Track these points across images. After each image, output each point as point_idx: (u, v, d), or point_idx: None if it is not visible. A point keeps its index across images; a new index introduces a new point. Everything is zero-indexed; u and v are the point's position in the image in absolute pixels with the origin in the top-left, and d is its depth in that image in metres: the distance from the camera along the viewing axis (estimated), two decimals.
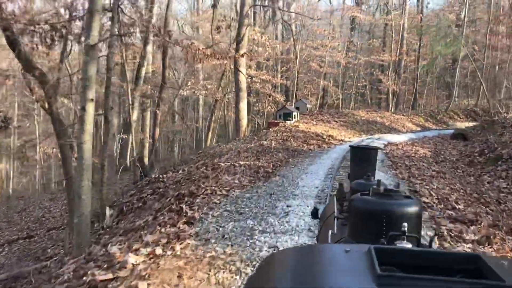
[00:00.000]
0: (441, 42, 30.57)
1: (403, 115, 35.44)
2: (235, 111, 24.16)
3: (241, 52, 22.75)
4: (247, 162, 11.37)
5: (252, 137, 19.30)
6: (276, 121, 25.26)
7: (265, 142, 16.26)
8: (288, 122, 24.31)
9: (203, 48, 19.86)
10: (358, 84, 46.58)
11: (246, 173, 9.58)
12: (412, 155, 15.12)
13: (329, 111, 30.37)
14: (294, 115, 25.64)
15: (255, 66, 37.72)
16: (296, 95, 43.06)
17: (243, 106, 23.18)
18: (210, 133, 34.61)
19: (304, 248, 1.25)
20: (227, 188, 7.73)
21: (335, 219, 1.87)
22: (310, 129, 22.53)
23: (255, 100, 36.06)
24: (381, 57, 39.02)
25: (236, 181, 8.50)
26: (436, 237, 2.01)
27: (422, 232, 1.44)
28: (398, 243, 1.20)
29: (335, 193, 2.38)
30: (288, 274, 0.92)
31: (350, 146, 2.86)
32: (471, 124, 37.40)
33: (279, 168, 10.95)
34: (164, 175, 11.74)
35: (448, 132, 29.40)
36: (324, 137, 19.61)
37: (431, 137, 24.55)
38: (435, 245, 1.51)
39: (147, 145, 25.94)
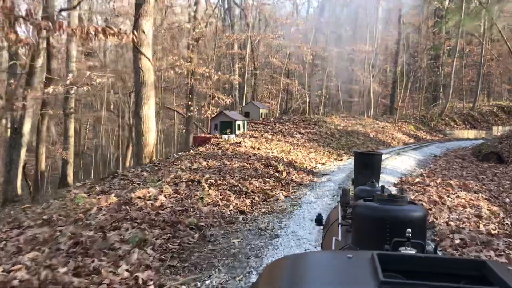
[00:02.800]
0: (461, 13, 22.39)
1: (388, 123, 27.16)
2: (134, 121, 14.75)
3: (143, 21, 13.59)
4: None
5: (141, 172, 9.97)
6: (206, 135, 16.11)
7: (142, 194, 7.03)
8: (226, 136, 15.23)
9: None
10: (330, 84, 38.27)
11: None
12: (472, 221, 6.35)
13: (291, 118, 21.50)
14: (239, 125, 16.59)
15: (201, 62, 28.86)
16: (253, 97, 34.26)
17: (149, 112, 13.88)
18: (129, 150, 25.05)
19: (307, 255, 1.11)
20: None
21: (339, 225, 1.85)
22: (259, 149, 13.53)
23: (189, 103, 26.79)
24: (357, 48, 30.72)
25: None
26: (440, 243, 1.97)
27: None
28: (402, 250, 1.15)
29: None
30: (290, 282, 0.88)
31: (354, 152, 2.74)
32: (471, 132, 29.73)
33: None
34: None
35: (455, 145, 21.23)
36: (280, 168, 10.57)
37: (445, 157, 16.14)
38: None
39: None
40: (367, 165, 2.37)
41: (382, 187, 1.51)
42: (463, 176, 11.29)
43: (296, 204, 7.32)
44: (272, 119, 20.23)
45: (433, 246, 1.32)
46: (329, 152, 15.64)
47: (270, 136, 16.81)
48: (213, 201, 6.92)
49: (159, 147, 33.99)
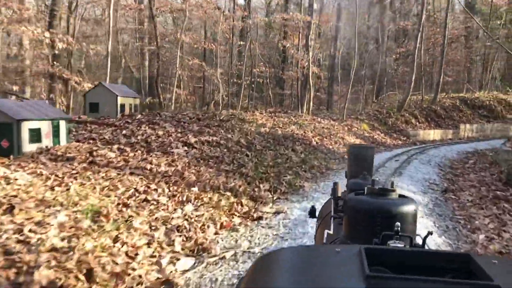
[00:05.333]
0: None
1: (333, 120, 19.22)
2: None
3: None
4: None
5: None
6: None
7: None
8: None
9: None
10: (255, 70, 29.71)
11: None
12: None
13: (178, 114, 12.28)
14: (35, 132, 7.33)
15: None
16: (157, 84, 24.84)
17: None
18: None
19: (294, 249, 1.10)
20: None
21: (331, 218, 1.87)
22: (11, 211, 4.40)
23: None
24: (290, 17, 22.37)
25: None
26: (429, 236, 1.26)
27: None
28: (391, 243, 1.15)
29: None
30: (277, 276, 0.90)
31: (348, 145, 2.98)
32: (437, 132, 22.81)
33: None
34: None
35: (440, 156, 13.75)
36: None
37: (459, 188, 8.23)
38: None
39: None
40: (360, 158, 2.27)
41: (373, 180, 1.49)
42: None
43: None
44: (139, 116, 11.02)
45: (422, 239, 1.29)
46: (235, 196, 6.89)
47: (112, 155, 7.74)
48: None
49: None
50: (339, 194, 2.03)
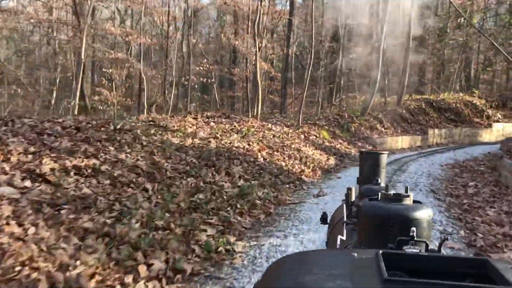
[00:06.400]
0: None
1: (287, 127, 15.68)
2: None
3: None
4: None
5: None
6: None
7: None
8: None
9: None
10: (199, 68, 25.69)
11: None
12: None
13: (45, 122, 8.11)
14: None
15: None
16: (81, 87, 20.49)
17: None
18: None
19: (311, 253, 1.08)
20: None
21: (344, 224, 1.81)
22: None
23: None
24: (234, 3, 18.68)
25: None
26: (445, 241, 1.22)
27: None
28: (406, 248, 1.12)
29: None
30: (293, 279, 0.87)
31: (359, 151, 2.78)
32: (405, 138, 19.91)
33: None
34: None
35: (425, 174, 10.47)
36: None
37: None
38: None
39: None
40: (372, 164, 2.27)
41: (387, 185, 1.49)
42: None
43: None
44: None
45: (437, 245, 1.25)
46: None
47: None
48: None
49: None
50: (351, 201, 1.95)
